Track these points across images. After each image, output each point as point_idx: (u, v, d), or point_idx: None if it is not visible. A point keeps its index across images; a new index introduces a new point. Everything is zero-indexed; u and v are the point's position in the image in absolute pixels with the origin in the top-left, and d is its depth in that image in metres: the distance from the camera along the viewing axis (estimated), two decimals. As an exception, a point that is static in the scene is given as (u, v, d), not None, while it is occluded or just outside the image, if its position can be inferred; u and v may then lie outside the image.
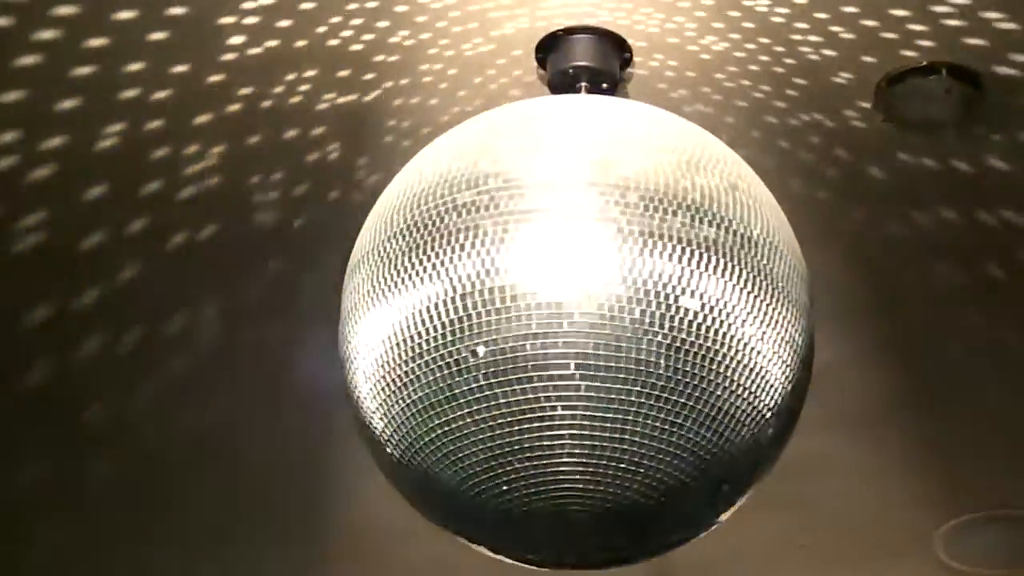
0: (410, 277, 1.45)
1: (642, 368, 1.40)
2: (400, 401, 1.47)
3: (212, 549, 3.04)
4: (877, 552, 3.12)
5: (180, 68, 1.83)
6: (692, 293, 1.41)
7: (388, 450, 1.52)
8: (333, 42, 1.82)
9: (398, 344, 1.46)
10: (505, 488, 1.45)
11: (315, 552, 3.11)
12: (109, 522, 2.86)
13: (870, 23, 1.79)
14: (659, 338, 1.40)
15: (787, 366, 1.49)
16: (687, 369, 1.41)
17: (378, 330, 1.48)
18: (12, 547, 2.90)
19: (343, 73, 1.87)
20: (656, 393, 1.40)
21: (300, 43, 1.82)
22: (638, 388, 1.40)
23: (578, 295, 1.40)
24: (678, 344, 1.40)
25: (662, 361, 1.40)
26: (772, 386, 1.47)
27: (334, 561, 3.16)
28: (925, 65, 1.84)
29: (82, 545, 2.94)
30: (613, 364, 1.39)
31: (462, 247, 1.43)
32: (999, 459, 2.74)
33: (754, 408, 1.46)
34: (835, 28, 1.80)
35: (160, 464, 2.67)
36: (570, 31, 1.80)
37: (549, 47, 1.81)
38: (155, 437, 2.58)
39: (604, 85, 1.79)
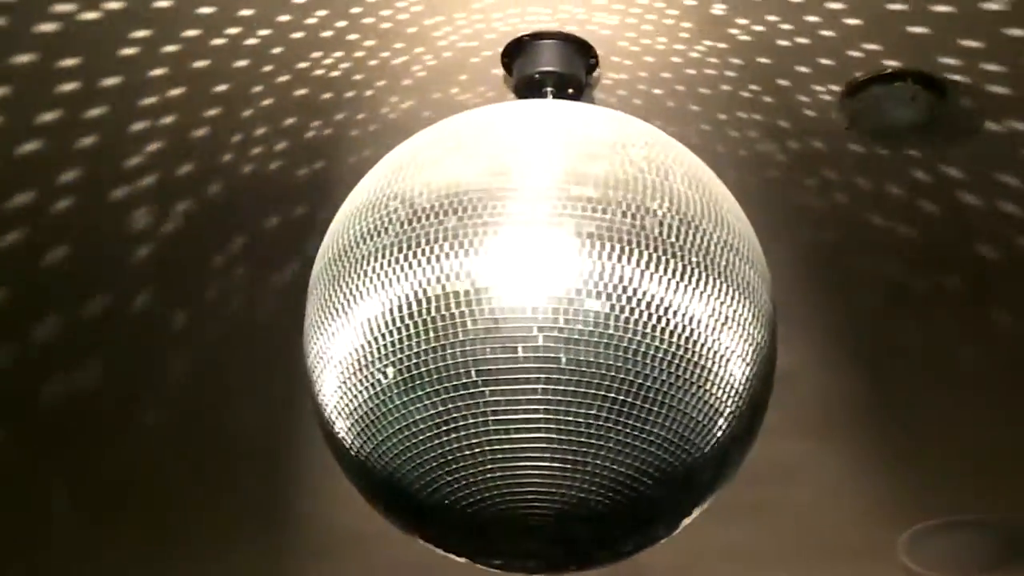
0: (369, 284, 1.45)
1: (602, 372, 1.40)
2: (360, 408, 1.47)
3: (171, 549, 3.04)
4: (841, 557, 3.13)
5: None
6: (654, 297, 1.41)
7: (352, 455, 1.52)
8: (296, 34, 1.82)
9: (358, 350, 1.46)
10: (466, 494, 1.45)
11: (281, 552, 3.11)
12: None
13: (830, 33, 1.79)
14: (620, 342, 1.40)
15: (750, 370, 1.49)
16: (648, 373, 1.41)
17: (339, 339, 1.48)
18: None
19: (303, 89, 1.88)
20: (617, 397, 1.41)
21: (275, 50, 1.82)
22: (596, 392, 1.40)
23: (538, 300, 1.40)
24: (639, 348, 1.41)
25: (622, 365, 1.40)
26: (735, 391, 1.48)
27: (301, 561, 3.15)
28: (890, 72, 1.84)
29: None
30: (573, 369, 1.40)
31: (421, 254, 1.43)
32: (961, 465, 2.74)
33: (717, 412, 1.47)
34: (800, 37, 1.80)
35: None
36: (536, 36, 1.80)
37: (515, 52, 1.81)
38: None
39: (570, 90, 1.79)
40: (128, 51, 1.79)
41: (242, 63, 1.83)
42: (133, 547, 2.98)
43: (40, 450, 2.60)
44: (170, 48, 1.79)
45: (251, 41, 1.80)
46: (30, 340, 2.28)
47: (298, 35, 1.80)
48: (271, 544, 3.05)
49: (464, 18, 1.78)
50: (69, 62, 1.80)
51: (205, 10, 1.74)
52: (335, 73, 1.86)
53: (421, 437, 1.44)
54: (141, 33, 1.77)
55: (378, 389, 1.45)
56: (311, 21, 1.78)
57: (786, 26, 1.79)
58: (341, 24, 1.79)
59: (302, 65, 1.85)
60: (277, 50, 1.82)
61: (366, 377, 1.46)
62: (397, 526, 1.60)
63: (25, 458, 2.62)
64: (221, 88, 1.87)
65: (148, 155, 1.95)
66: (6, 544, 2.92)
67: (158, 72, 1.83)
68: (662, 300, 1.42)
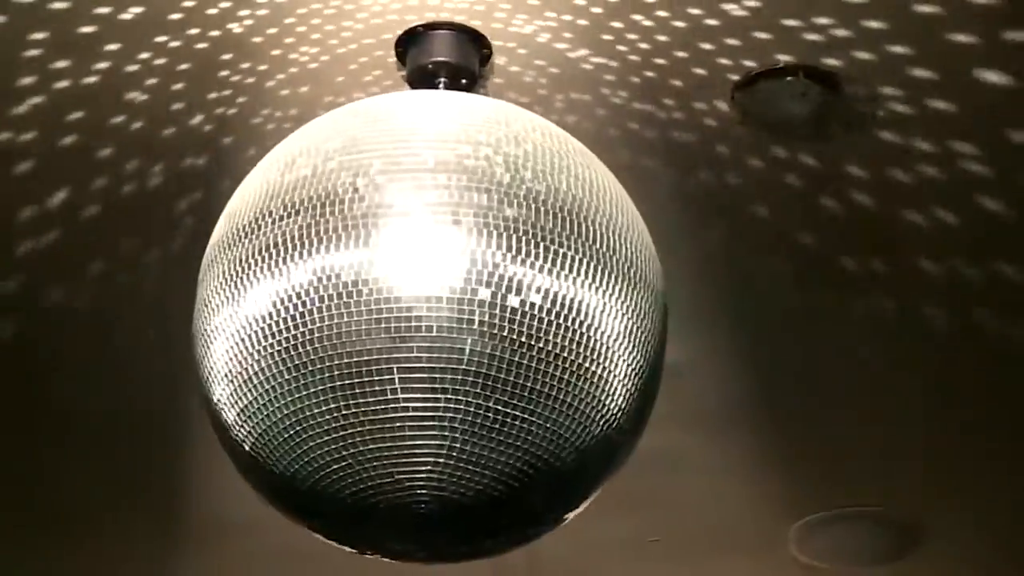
0: (253, 275, 1.45)
1: (492, 366, 1.40)
2: (248, 395, 1.46)
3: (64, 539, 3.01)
4: (732, 549, 3.16)
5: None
6: (541, 287, 1.41)
7: (239, 445, 1.51)
8: (191, 31, 1.81)
9: (245, 339, 1.45)
10: (352, 483, 1.44)
11: (167, 542, 3.09)
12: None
13: (726, 25, 1.80)
14: (502, 333, 1.40)
15: (638, 362, 1.50)
16: (532, 365, 1.41)
17: (227, 327, 1.47)
18: None
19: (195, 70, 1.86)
20: (507, 389, 1.41)
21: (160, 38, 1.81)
22: (483, 383, 1.40)
23: (425, 290, 1.40)
24: (523, 340, 1.41)
25: (512, 359, 1.41)
26: (623, 382, 1.48)
27: (186, 552, 3.13)
28: (781, 67, 1.86)
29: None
30: (460, 359, 1.40)
31: (309, 245, 1.43)
32: (850, 458, 2.78)
33: (604, 404, 1.47)
34: (693, 34, 1.81)
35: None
36: (429, 26, 1.79)
37: (408, 42, 1.81)
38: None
39: (463, 81, 1.79)
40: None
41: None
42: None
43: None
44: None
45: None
46: None
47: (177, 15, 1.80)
48: (155, 531, 3.03)
49: (363, 7, 1.78)
50: None
51: None
52: (229, 55, 1.85)
53: (309, 427, 1.43)
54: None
55: (265, 378, 1.44)
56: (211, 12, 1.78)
57: (678, 23, 1.80)
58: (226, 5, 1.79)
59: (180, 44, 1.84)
60: (175, 44, 1.82)
61: (251, 366, 1.45)
62: (285, 515, 1.59)
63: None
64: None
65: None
66: None
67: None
68: (549, 290, 1.42)
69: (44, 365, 2.43)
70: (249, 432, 1.48)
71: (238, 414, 1.49)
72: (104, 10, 1.77)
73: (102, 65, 1.84)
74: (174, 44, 1.83)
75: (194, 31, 1.81)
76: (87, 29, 1.79)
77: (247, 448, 1.50)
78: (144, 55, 1.84)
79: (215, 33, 1.82)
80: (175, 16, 1.79)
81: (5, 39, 1.79)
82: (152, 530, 3.02)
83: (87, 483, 2.80)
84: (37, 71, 1.84)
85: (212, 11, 1.78)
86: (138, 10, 1.77)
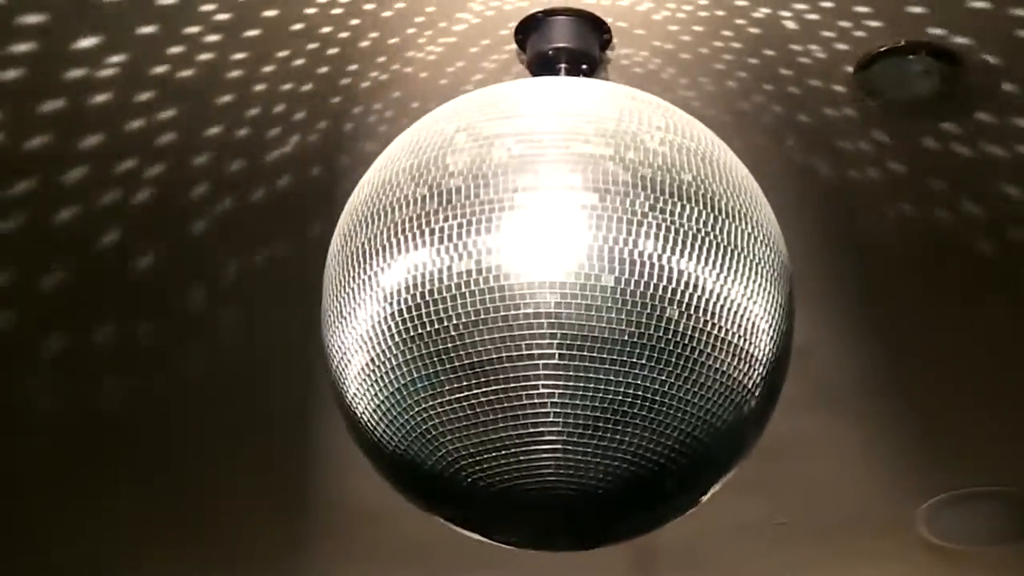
0: (382, 264, 1.45)
1: (624, 350, 1.40)
2: (384, 388, 1.47)
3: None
4: (859, 531, 3.13)
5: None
6: (672, 272, 1.41)
7: (370, 434, 1.52)
8: (324, 29, 1.82)
9: (382, 330, 1.46)
10: (486, 473, 1.45)
11: (294, 533, 3.12)
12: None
13: (850, 3, 1.79)
14: (642, 319, 1.40)
15: (767, 345, 1.49)
16: (670, 349, 1.41)
17: (361, 317, 1.48)
18: None
19: (323, 69, 1.88)
20: (639, 373, 1.41)
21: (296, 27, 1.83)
22: (618, 369, 1.40)
23: (555, 275, 1.40)
24: (661, 324, 1.41)
25: (644, 343, 1.41)
26: (754, 363, 1.48)
27: (315, 539, 3.16)
28: (904, 44, 1.84)
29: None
30: (595, 347, 1.40)
31: (439, 231, 1.43)
32: (979, 437, 2.75)
33: (734, 389, 1.47)
34: (815, 11, 1.80)
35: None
36: (549, 12, 1.79)
37: (528, 28, 1.81)
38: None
39: (584, 66, 1.78)
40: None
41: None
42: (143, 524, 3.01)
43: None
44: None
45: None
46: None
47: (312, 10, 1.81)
48: (287, 520, 3.06)
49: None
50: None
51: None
52: (351, 48, 1.86)
53: (440, 417, 1.44)
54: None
55: (398, 374, 1.45)
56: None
57: (798, 3, 1.79)
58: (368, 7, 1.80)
59: (312, 46, 1.86)
60: (297, 26, 1.83)
61: (386, 361, 1.46)
62: (415, 505, 1.60)
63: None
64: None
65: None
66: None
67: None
68: (680, 275, 1.42)
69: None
70: (378, 421, 1.49)
71: (368, 403, 1.49)
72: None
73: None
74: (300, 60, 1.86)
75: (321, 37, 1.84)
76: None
77: (377, 437, 1.51)
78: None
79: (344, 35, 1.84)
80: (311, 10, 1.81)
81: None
82: (280, 520, 3.05)
83: (217, 476, 2.84)
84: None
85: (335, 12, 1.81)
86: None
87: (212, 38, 1.83)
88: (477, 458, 1.45)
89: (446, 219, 1.43)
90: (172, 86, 1.89)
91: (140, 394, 2.53)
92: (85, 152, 1.96)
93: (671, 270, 1.41)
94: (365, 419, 1.51)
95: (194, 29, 1.81)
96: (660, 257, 1.41)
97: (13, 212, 2.05)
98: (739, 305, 1.46)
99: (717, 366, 1.45)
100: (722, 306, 1.44)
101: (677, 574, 3.30)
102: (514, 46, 1.84)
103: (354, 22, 1.82)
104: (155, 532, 3.03)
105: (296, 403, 2.57)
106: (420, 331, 1.43)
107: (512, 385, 1.41)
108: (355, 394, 1.51)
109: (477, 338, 1.41)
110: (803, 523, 3.09)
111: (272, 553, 3.20)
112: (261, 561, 3.23)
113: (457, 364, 1.42)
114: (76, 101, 1.89)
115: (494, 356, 1.41)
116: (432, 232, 1.43)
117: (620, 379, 1.41)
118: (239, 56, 1.86)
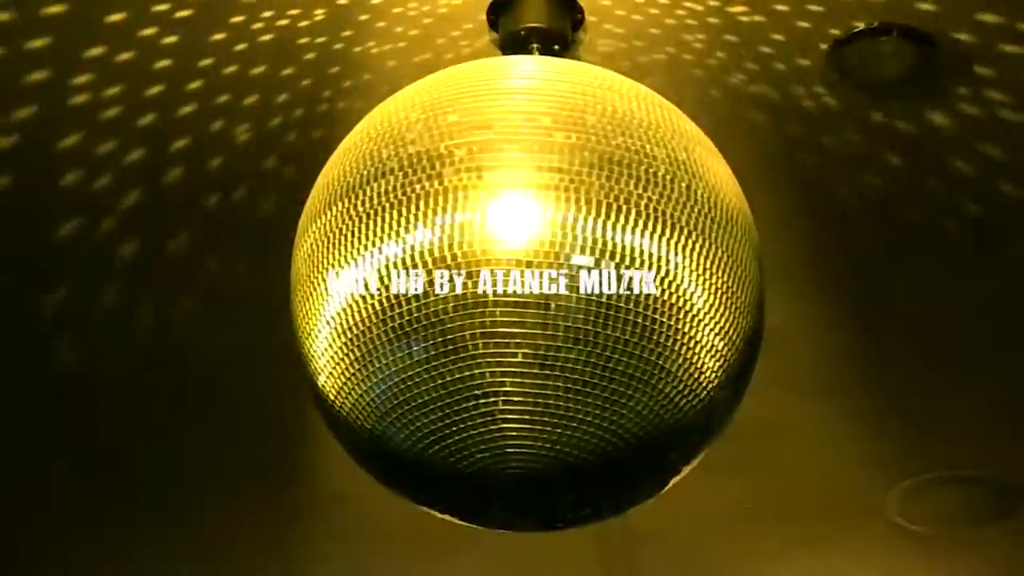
0: (361, 244, 1.44)
1: (590, 330, 1.40)
2: (351, 365, 1.46)
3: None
4: (830, 514, 3.15)
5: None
6: (640, 253, 1.41)
7: (337, 412, 1.52)
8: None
9: (349, 306, 1.45)
10: (452, 452, 1.44)
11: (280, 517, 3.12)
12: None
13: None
14: (607, 304, 1.40)
15: (735, 328, 1.49)
16: (637, 329, 1.41)
17: (330, 293, 1.48)
18: None
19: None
20: (604, 353, 1.40)
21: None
22: (582, 348, 1.40)
23: (528, 259, 1.39)
24: (626, 312, 1.40)
25: (610, 322, 1.40)
26: (720, 349, 1.47)
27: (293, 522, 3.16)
28: (876, 26, 1.84)
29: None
30: (560, 327, 1.39)
31: (407, 213, 1.42)
32: (949, 420, 2.76)
33: (702, 371, 1.46)
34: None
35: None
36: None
37: (500, 8, 1.80)
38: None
39: (556, 47, 1.77)
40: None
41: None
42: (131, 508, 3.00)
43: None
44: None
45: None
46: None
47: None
48: (267, 502, 3.06)
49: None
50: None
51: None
52: (321, 32, 1.86)
53: (406, 393, 1.44)
54: None
55: (365, 351, 1.44)
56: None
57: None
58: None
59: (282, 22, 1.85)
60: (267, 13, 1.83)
61: (354, 338, 1.45)
62: (382, 484, 1.60)
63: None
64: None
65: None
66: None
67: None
68: (648, 257, 1.41)
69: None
70: (350, 401, 1.49)
71: (336, 384, 1.49)
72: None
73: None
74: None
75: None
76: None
77: (346, 417, 1.51)
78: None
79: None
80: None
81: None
82: (260, 504, 3.05)
83: (200, 459, 2.84)
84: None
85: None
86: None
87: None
88: (443, 436, 1.44)
89: (411, 199, 1.42)
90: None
91: (105, 369, 2.53)
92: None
93: (635, 249, 1.41)
94: (332, 396, 1.51)
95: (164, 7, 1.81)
96: (624, 237, 1.41)
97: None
98: (706, 286, 1.45)
99: (686, 354, 1.44)
100: (686, 288, 1.43)
101: (647, 557, 3.31)
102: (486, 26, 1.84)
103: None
104: (136, 516, 3.03)
105: (275, 389, 2.57)
106: (388, 309, 1.42)
107: (479, 362, 1.40)
108: (322, 370, 1.51)
109: (444, 316, 1.40)
110: (773, 507, 3.11)
111: (254, 536, 3.20)
112: (244, 545, 3.24)
113: (425, 343, 1.41)
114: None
115: (460, 334, 1.40)
116: (398, 211, 1.42)
117: (586, 359, 1.40)
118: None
